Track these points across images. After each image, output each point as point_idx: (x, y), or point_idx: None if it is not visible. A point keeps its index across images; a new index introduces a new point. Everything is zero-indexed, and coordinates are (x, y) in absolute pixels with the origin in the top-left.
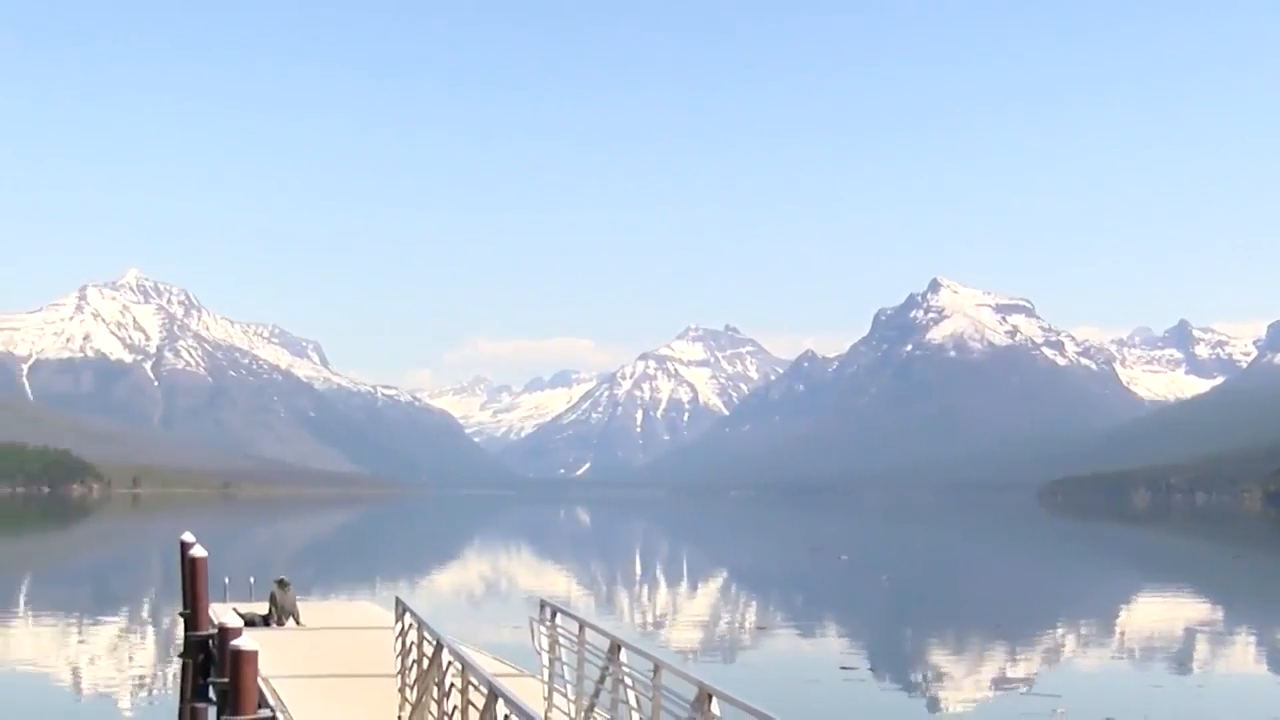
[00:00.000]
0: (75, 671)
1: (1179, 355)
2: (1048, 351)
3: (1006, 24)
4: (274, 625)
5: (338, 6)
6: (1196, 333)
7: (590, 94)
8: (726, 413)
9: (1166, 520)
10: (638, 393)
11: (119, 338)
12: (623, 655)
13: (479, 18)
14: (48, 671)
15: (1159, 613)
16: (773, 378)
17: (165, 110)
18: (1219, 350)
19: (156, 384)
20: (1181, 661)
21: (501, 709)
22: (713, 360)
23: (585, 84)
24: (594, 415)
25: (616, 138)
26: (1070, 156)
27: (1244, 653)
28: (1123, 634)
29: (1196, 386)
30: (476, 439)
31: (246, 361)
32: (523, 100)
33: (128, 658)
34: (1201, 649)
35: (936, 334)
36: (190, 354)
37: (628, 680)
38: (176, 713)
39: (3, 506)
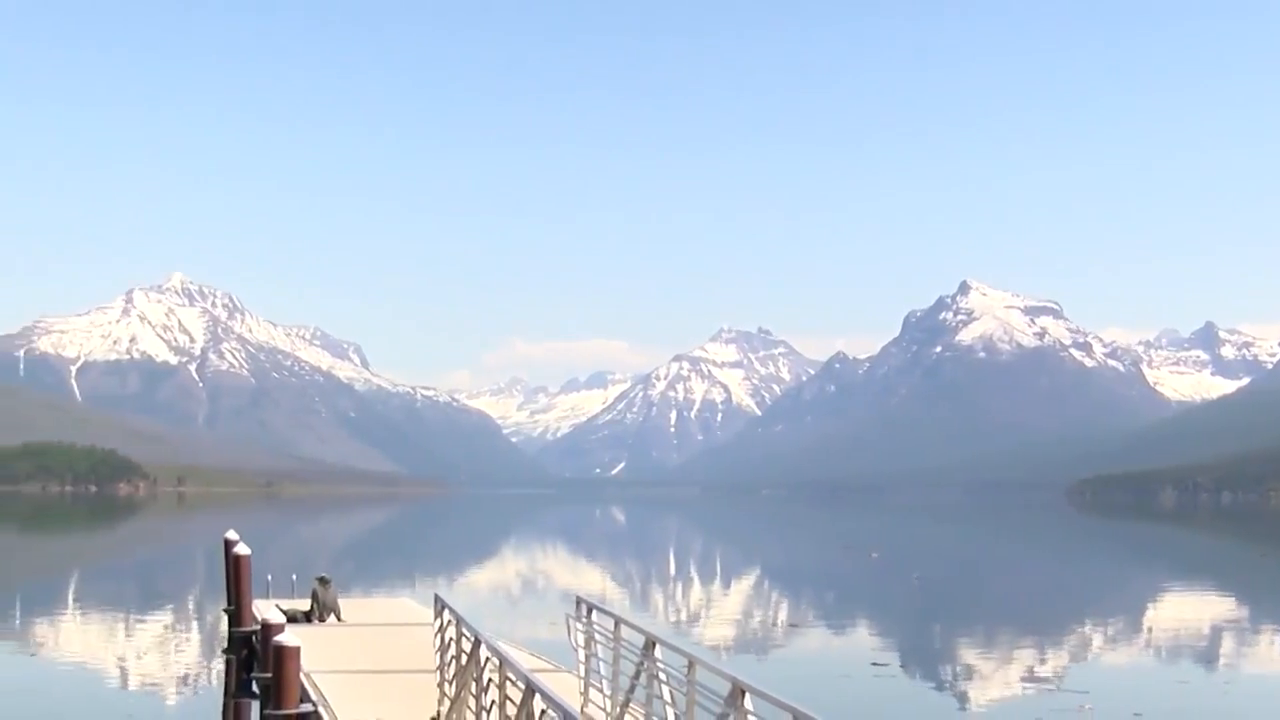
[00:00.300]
0: (122, 666)
1: (1205, 356)
2: (1075, 353)
3: (1031, 28)
4: (316, 621)
5: (378, 14)
6: (1222, 334)
7: (623, 99)
8: (759, 413)
9: (1193, 519)
10: (672, 393)
11: (164, 340)
12: (657, 651)
13: (512, 24)
14: (96, 666)
15: (1186, 610)
16: (804, 379)
17: (208, 116)
18: (1244, 351)
19: (201, 385)
20: (1208, 658)
21: (538, 704)
22: (745, 361)
23: (619, 89)
24: (629, 416)
25: (648, 142)
26: (1098, 159)
27: (1270, 650)
28: (1150, 631)
29: (1222, 387)
30: (514, 439)
31: (289, 363)
32: (555, 105)
33: (173, 653)
34: (1228, 646)
35: (966, 335)
36: (234, 356)
37: (662, 676)
38: (221, 707)
39: (51, 505)
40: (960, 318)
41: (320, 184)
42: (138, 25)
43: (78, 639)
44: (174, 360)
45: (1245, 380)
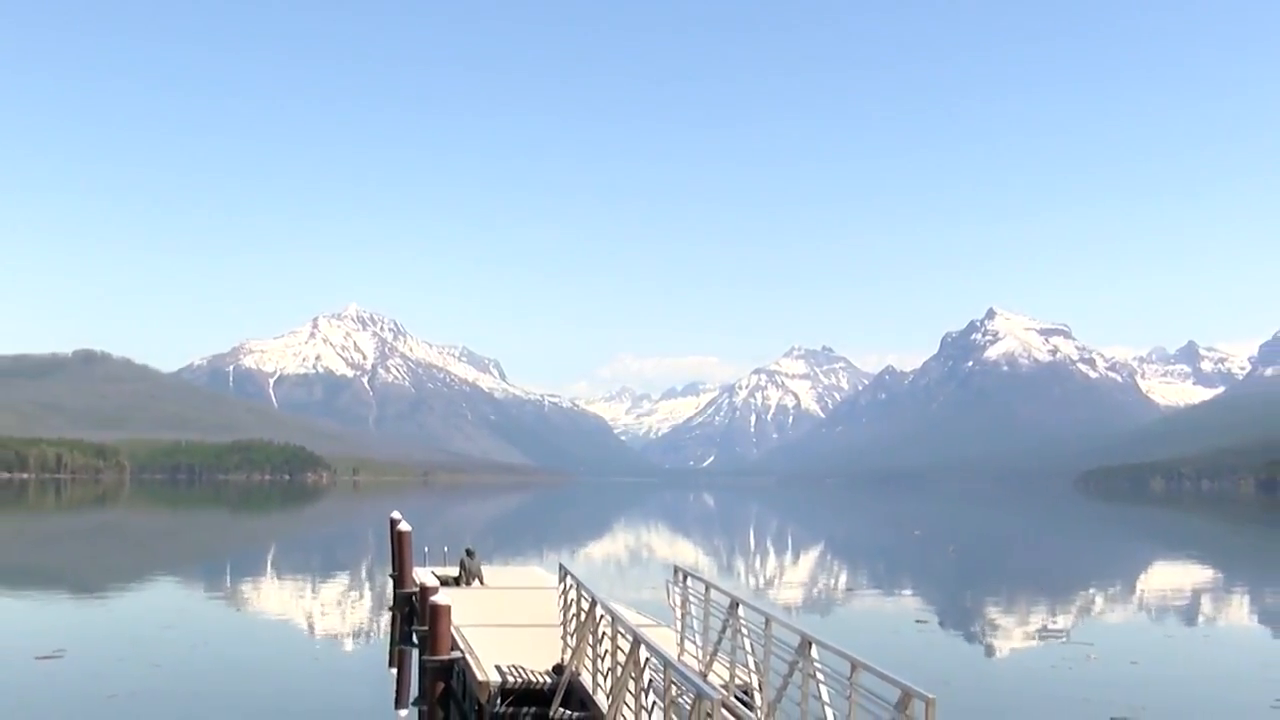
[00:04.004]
0: (309, 619)
1: (1188, 369)
2: (1082, 367)
3: (1051, 93)
4: (463, 585)
5: (527, 53)
6: (1202, 351)
7: (709, 139)
8: (823, 416)
9: (1179, 503)
10: (752, 400)
11: (343, 358)
12: (740, 610)
13: (640, 64)
14: (288, 618)
15: (1172, 577)
16: (860, 388)
17: (374, 170)
18: (1220, 365)
19: (371, 394)
20: (1190, 616)
21: (643, 653)
22: (812, 374)
23: (726, 141)
24: (717, 418)
25: (745, 193)
26: (1100, 203)
27: (1240, 608)
28: (1143, 593)
29: (1202, 395)
30: (623, 438)
31: (442, 376)
32: (661, 148)
33: (349, 609)
34: (1206, 605)
35: (993, 353)
36: (397, 370)
37: (744, 631)
38: (387, 653)
39: (254, 491)
40: (988, 338)
41: (466, 226)
42: (305, 80)
43: (274, 597)
44: (350, 374)
45: (1220, 389)
